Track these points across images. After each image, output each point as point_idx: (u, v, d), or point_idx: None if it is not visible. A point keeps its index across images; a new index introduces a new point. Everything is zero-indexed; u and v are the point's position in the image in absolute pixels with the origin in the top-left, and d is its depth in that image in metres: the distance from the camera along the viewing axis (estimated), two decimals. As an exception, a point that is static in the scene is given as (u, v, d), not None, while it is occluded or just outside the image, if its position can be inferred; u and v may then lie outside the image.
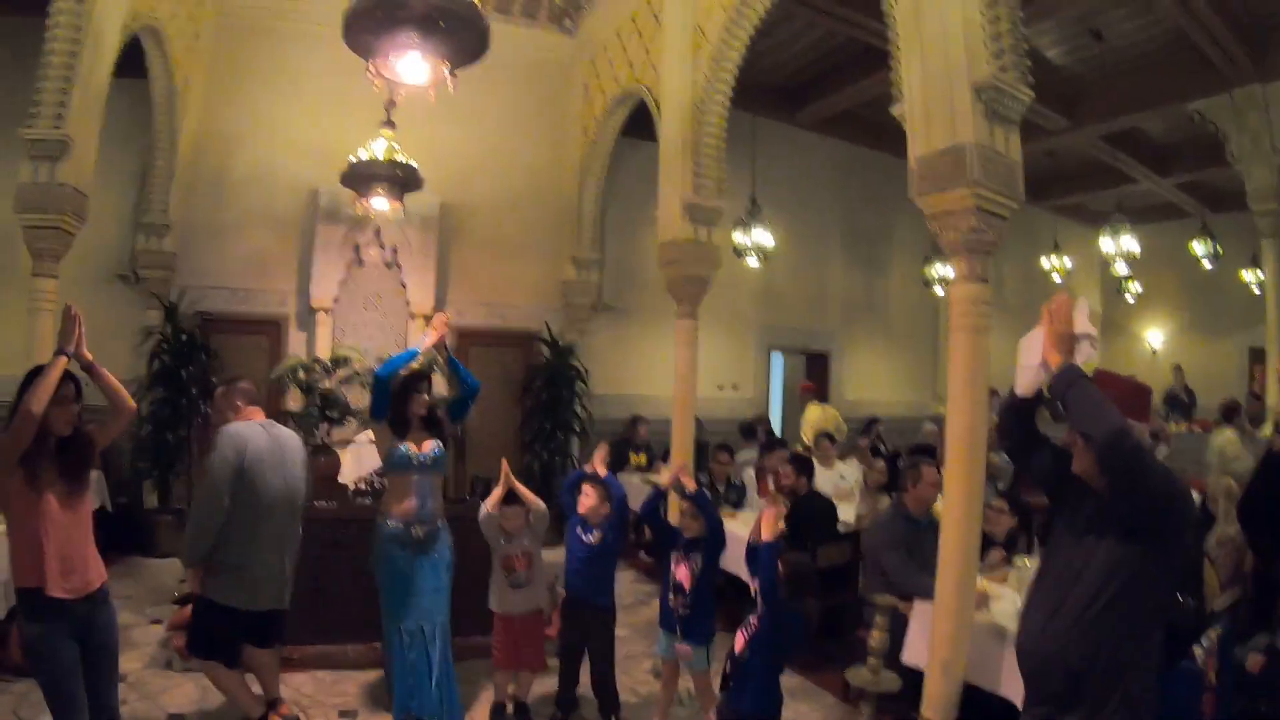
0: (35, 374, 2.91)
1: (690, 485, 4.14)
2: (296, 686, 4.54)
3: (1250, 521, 3.93)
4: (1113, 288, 15.15)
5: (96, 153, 5.92)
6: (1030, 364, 2.54)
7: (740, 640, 3.43)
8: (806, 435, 8.95)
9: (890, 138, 4.28)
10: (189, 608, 4.82)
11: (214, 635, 3.75)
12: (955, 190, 3.91)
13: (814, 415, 9.20)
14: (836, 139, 11.56)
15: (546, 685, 4.43)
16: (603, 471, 4.30)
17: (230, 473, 3.62)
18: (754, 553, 3.57)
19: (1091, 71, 9.46)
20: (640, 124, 8.30)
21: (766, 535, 3.51)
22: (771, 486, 6.88)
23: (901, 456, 6.91)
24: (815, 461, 6.57)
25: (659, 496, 4.43)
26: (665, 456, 7.60)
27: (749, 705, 3.36)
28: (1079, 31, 8.58)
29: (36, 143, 5.49)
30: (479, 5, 3.50)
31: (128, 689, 4.31)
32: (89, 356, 3.09)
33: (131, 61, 6.71)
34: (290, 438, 4.02)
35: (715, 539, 4.03)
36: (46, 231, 5.51)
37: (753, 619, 3.45)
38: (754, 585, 3.52)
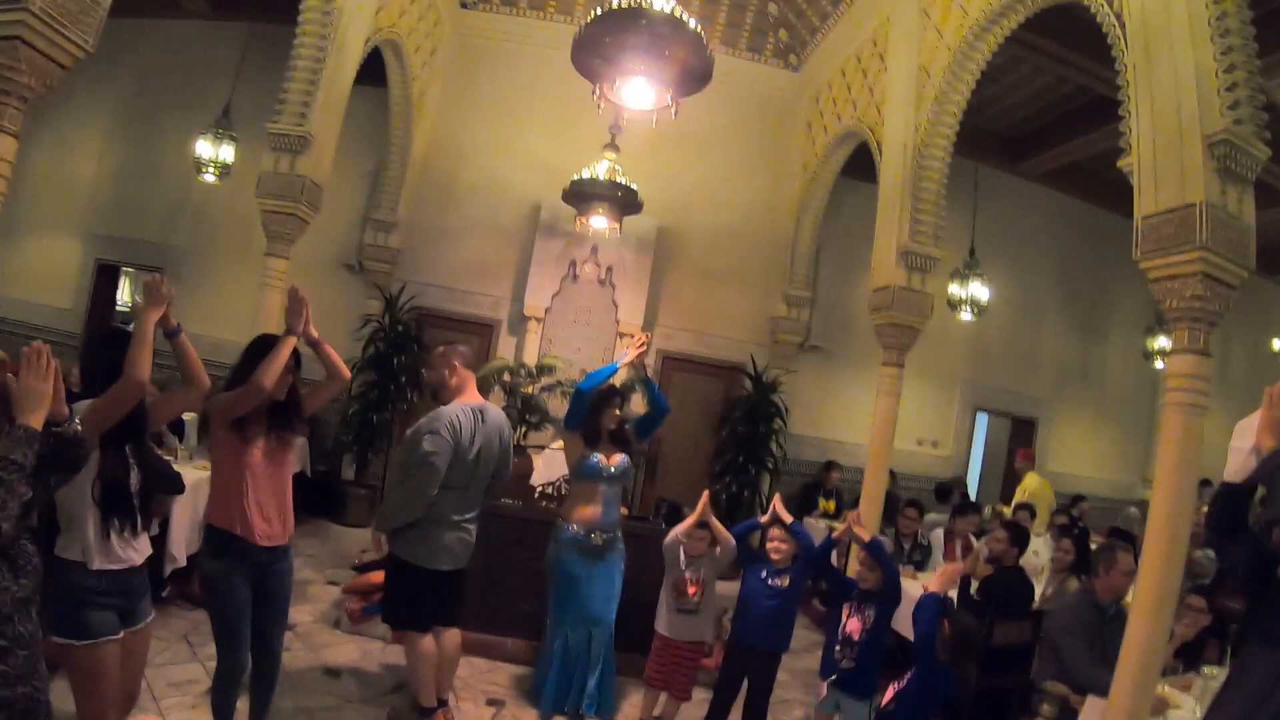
0: (263, 341, 3.15)
1: (865, 535, 4.01)
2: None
3: None
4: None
5: (335, 151, 6.44)
6: (1242, 447, 2.32)
7: (890, 693, 3.33)
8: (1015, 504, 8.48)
9: (1117, 195, 4.01)
10: (368, 575, 5.17)
11: (405, 596, 3.83)
12: (1181, 253, 3.62)
13: (1033, 484, 8.65)
14: (1060, 193, 10.87)
15: (694, 712, 4.37)
16: (787, 519, 4.20)
17: (447, 459, 3.70)
18: (921, 606, 3.43)
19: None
20: (861, 165, 8.16)
21: (935, 587, 3.38)
22: (962, 549, 6.54)
23: (1089, 535, 6.40)
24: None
25: (832, 544, 4.30)
26: (854, 505, 7.39)
27: None
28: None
29: (279, 136, 6.01)
30: (704, 37, 3.57)
31: (294, 638, 4.65)
32: (316, 334, 3.33)
33: (373, 70, 7.34)
34: (498, 416, 4.07)
35: (891, 591, 3.87)
36: (282, 217, 6.00)
37: (908, 674, 3.32)
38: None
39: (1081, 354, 11.50)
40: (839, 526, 6.48)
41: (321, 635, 4.94)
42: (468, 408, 3.87)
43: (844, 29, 8.34)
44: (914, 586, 5.27)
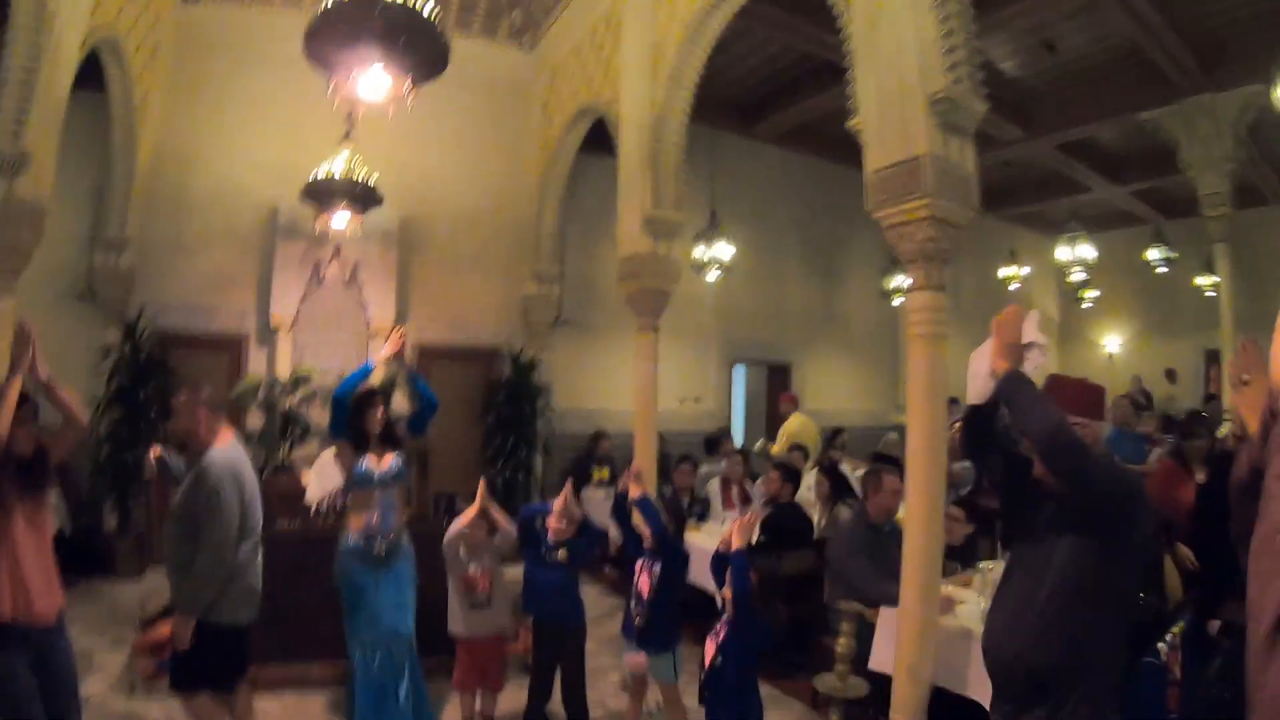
0: None
1: (634, 490, 4.12)
2: (263, 710, 4.46)
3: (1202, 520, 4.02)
4: (1069, 294, 15.46)
5: (54, 167, 5.75)
6: (980, 372, 2.62)
7: (710, 648, 3.46)
8: (780, 445, 9.01)
9: (846, 151, 4.35)
10: (156, 629, 4.76)
11: (220, 660, 3.54)
12: (911, 201, 3.98)
13: (792, 426, 9.25)
14: (793, 152, 11.73)
15: (515, 700, 4.40)
16: (576, 513, 4.25)
17: (237, 516, 3.45)
18: (722, 561, 3.60)
19: (1045, 83, 9.69)
20: (599, 140, 8.33)
21: (738, 543, 3.54)
22: (739, 494, 6.93)
23: (838, 465, 6.98)
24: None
25: (624, 499, 4.41)
26: (627, 467, 7.58)
27: (728, 712, 3.40)
28: (1033, 44, 8.77)
29: (-7, 156, 5.31)
30: (439, 21, 3.51)
31: (90, 713, 4.21)
32: (45, 374, 3.01)
33: (87, 74, 6.58)
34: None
35: (667, 546, 4.03)
36: (3, 250, 5.29)
37: (719, 627, 3.47)
38: (722, 594, 3.54)
39: (825, 299, 12.58)
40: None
41: (117, 704, 4.50)
42: (232, 449, 3.59)
43: (577, 8, 8.48)
44: (700, 538, 5.55)
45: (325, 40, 3.48)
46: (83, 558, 6.92)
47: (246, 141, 8.36)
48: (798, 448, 7.93)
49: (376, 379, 4.35)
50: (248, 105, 8.37)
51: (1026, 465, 2.60)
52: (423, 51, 3.52)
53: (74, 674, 3.14)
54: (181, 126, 8.19)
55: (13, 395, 2.82)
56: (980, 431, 2.73)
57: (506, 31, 9.42)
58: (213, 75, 8.33)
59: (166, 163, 8.09)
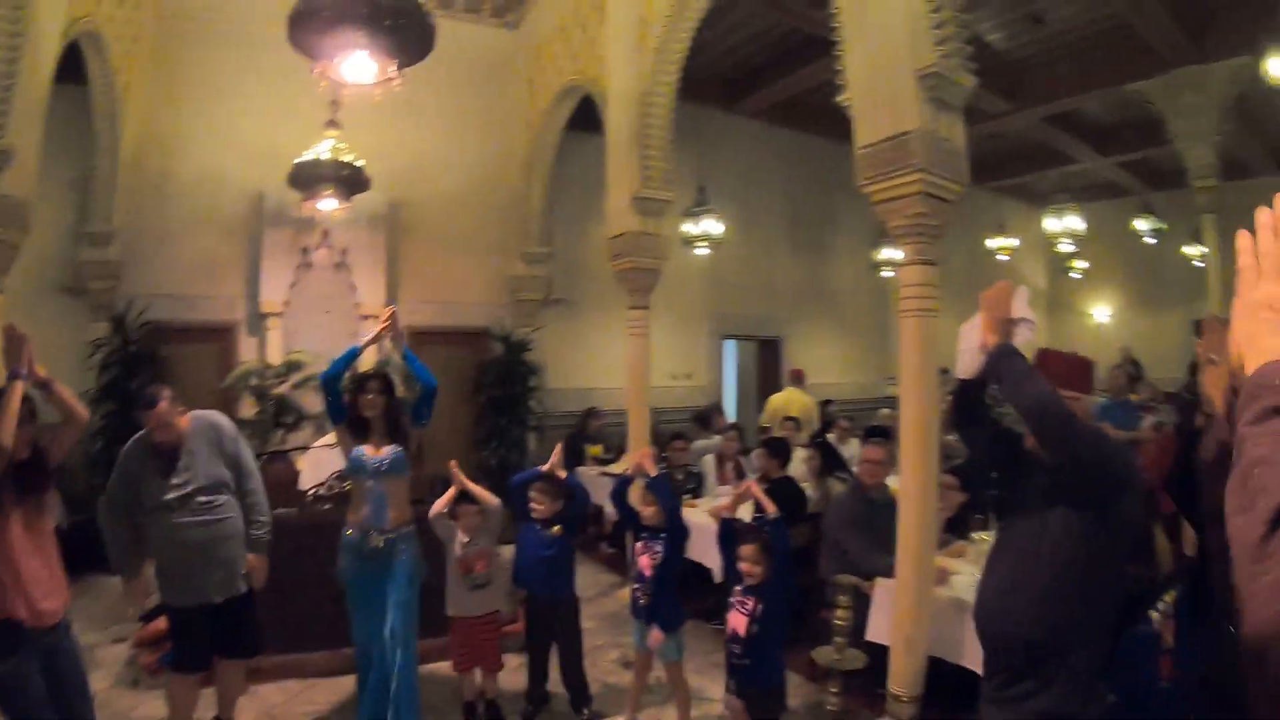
0: None
1: (651, 470, 4.18)
2: (265, 697, 4.52)
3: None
4: (1058, 266, 15.50)
5: (38, 161, 5.71)
6: (969, 348, 2.64)
7: (740, 620, 3.47)
8: (766, 418, 9.06)
9: (834, 125, 4.36)
10: (156, 622, 4.77)
11: (174, 639, 3.79)
12: (901, 176, 3.99)
13: (776, 401, 9.27)
14: (781, 127, 11.68)
15: (517, 680, 4.45)
16: (561, 474, 4.32)
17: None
18: (730, 530, 3.66)
19: (1033, 55, 9.69)
20: (586, 118, 8.30)
21: (772, 511, 3.65)
22: (734, 470, 6.97)
23: (826, 441, 7.02)
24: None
25: (625, 484, 4.46)
26: (624, 448, 7.63)
27: (765, 679, 3.46)
28: (1020, 17, 8.75)
29: (-24, 152, 5.26)
30: (423, 3, 3.49)
31: (95, 709, 4.25)
32: (43, 373, 3.02)
33: (68, 66, 6.51)
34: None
35: (675, 526, 4.07)
36: None
37: (745, 599, 3.49)
38: (741, 567, 3.54)
39: (815, 273, 12.59)
40: (614, 470, 6.74)
41: (123, 700, 4.52)
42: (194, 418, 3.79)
43: (561, -15, 8.40)
44: (694, 514, 5.58)
45: (309, 26, 3.46)
46: (80, 553, 6.90)
47: (231, 127, 8.27)
48: (791, 420, 7.95)
49: (367, 360, 4.28)
50: (231, 91, 8.29)
51: (1017, 438, 2.63)
52: (408, 35, 3.51)
53: (84, 674, 3.15)
54: (165, 114, 8.10)
55: (15, 402, 2.80)
56: (970, 406, 2.75)
57: (490, 9, 9.37)
58: (195, 61, 8.23)
59: (151, 152, 8.02)
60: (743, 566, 3.52)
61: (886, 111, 4.08)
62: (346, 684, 4.54)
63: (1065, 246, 13.26)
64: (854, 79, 4.32)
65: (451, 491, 4.20)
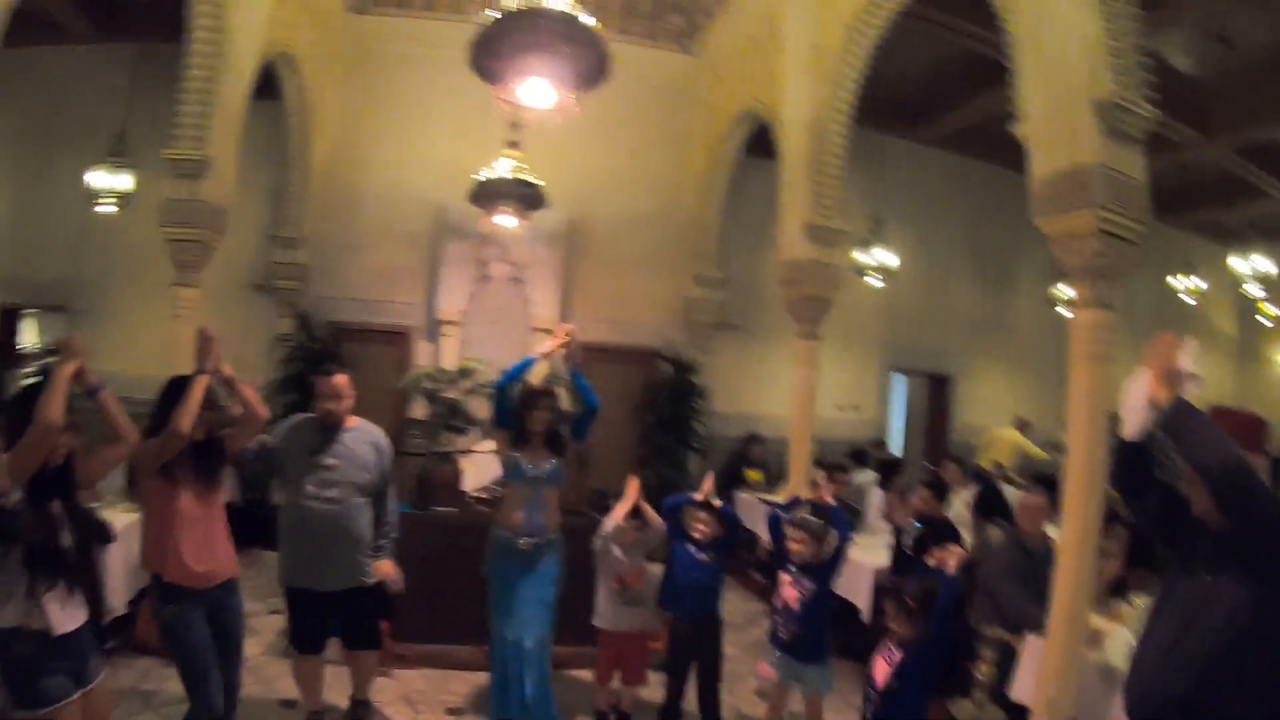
0: (177, 384, 3.15)
1: (830, 501, 4.15)
2: (407, 682, 4.75)
3: None
4: (1246, 310, 14.26)
5: (235, 171, 6.26)
6: (1136, 405, 2.48)
7: (883, 670, 3.36)
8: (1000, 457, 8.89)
9: (1015, 153, 4.21)
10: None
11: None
12: (1077, 212, 3.81)
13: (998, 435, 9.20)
14: (962, 155, 11.25)
15: (652, 696, 4.46)
16: (716, 503, 4.32)
17: None
18: (775, 517, 3.73)
19: (1222, 80, 8.99)
20: (763, 143, 8.26)
21: (953, 568, 3.54)
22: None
23: (990, 483, 6.71)
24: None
25: (780, 518, 4.42)
26: (781, 474, 7.57)
27: None
28: (1208, 38, 8.16)
29: (178, 162, 5.83)
30: (601, 31, 3.60)
31: (244, 672, 4.57)
32: (228, 371, 3.31)
33: (266, 83, 7.12)
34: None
35: (839, 560, 4.03)
36: (188, 245, 5.85)
37: (893, 649, 3.37)
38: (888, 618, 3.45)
39: (991, 308, 11.93)
40: (772, 499, 6.64)
41: (271, 667, 4.86)
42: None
43: (738, 10, 8.47)
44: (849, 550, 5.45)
45: (489, 52, 3.62)
46: (248, 528, 7.47)
47: (416, 144, 8.82)
48: (954, 459, 7.78)
49: (539, 373, 4.43)
50: (416, 110, 8.85)
51: (1183, 502, 2.45)
52: (585, 62, 3.62)
53: (242, 633, 3.42)
54: (353, 131, 8.78)
55: (198, 394, 3.08)
56: (1136, 467, 2.58)
57: (669, 34, 9.51)
58: (383, 82, 8.87)
59: (340, 165, 8.70)
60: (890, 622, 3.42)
61: (1062, 142, 3.91)
62: (485, 679, 4.63)
63: (1253, 289, 12.20)
64: (1029, 107, 4.15)
65: (627, 505, 4.27)
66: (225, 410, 3.37)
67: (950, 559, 3.55)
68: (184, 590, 3.09)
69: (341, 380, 3.86)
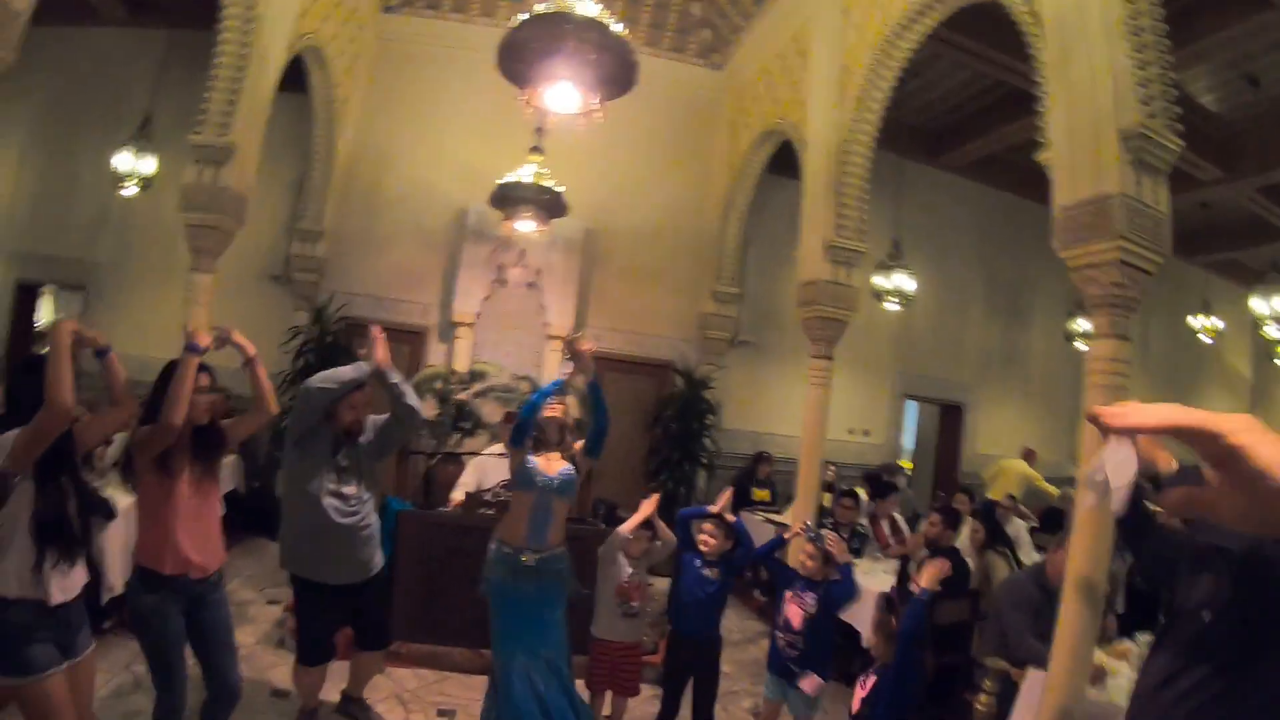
0: (172, 368, 3.05)
1: (841, 558, 4.07)
2: (400, 681, 4.73)
3: None
4: (1262, 352, 14.13)
5: (258, 160, 6.29)
6: (1122, 484, 2.40)
7: (858, 695, 3.36)
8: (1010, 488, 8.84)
9: (1036, 184, 4.19)
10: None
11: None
12: (1099, 243, 3.78)
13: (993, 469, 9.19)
14: (983, 183, 11.22)
15: (646, 710, 4.43)
16: (730, 518, 4.28)
17: None
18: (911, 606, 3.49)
19: (1248, 119, 8.96)
20: (785, 162, 8.26)
21: (925, 584, 3.48)
22: (889, 528, 6.74)
23: (992, 512, 6.66)
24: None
25: (781, 542, 4.41)
26: (789, 497, 7.55)
27: None
28: (1235, 76, 8.13)
29: (202, 148, 5.86)
30: (629, 41, 3.61)
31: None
32: (252, 351, 3.33)
33: (293, 75, 7.16)
34: None
35: (847, 580, 4.00)
36: (207, 230, 5.86)
37: (868, 675, 3.37)
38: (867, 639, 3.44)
39: (1005, 338, 11.88)
40: (779, 519, 6.61)
41: (265, 656, 4.86)
42: None
43: (766, 28, 8.48)
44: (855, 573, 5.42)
45: (517, 56, 3.64)
46: (251, 516, 7.51)
47: (439, 145, 8.89)
48: (964, 490, 7.72)
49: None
50: (441, 110, 8.91)
51: (1180, 546, 2.41)
52: (612, 69, 3.63)
53: (229, 628, 3.32)
54: (378, 128, 8.83)
55: (188, 375, 2.97)
56: (1135, 525, 2.53)
57: (696, 50, 9.56)
58: (409, 81, 8.93)
59: (363, 161, 8.75)
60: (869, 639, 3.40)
61: (1086, 172, 3.88)
62: (478, 682, 4.60)
63: (1274, 331, 12.09)
64: (1054, 135, 4.13)
65: (641, 517, 4.24)
66: (229, 396, 3.35)
67: (930, 570, 3.50)
68: (167, 580, 3.03)
69: (358, 396, 3.83)
